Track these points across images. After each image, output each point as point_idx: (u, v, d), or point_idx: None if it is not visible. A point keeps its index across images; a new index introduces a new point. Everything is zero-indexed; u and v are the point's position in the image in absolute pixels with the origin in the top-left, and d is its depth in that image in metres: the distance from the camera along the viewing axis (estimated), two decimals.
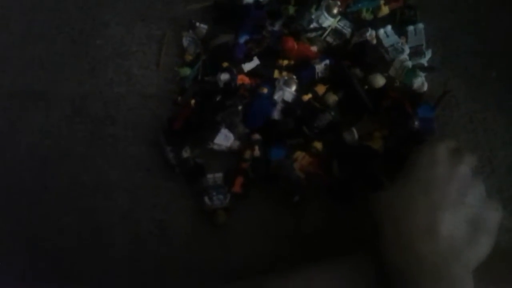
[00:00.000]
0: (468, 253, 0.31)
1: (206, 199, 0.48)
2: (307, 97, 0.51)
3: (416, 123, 0.48)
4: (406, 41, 0.53)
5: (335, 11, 0.53)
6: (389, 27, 0.54)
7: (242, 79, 0.52)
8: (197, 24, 0.54)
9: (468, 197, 0.33)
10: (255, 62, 0.53)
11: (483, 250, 0.32)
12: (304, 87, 0.52)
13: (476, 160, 0.38)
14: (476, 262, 0.32)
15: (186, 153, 0.49)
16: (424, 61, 0.53)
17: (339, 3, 0.53)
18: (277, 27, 0.55)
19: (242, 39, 0.52)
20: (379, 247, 0.34)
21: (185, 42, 0.54)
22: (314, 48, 0.53)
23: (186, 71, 0.53)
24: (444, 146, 0.37)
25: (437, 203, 0.32)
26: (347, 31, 0.54)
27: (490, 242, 0.33)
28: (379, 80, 0.50)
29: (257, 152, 0.49)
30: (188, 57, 0.54)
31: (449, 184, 0.33)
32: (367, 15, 0.56)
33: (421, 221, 0.31)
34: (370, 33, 0.53)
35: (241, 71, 0.52)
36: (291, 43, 0.51)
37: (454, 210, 0.32)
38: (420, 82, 0.50)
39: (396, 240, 0.33)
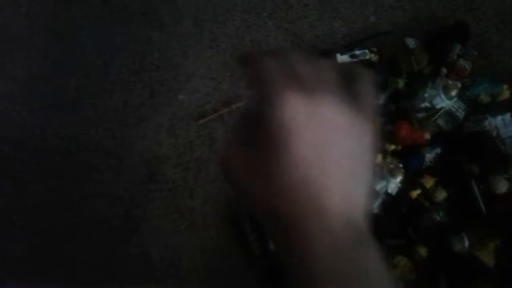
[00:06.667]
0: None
1: None
2: (415, 193, 0.45)
3: None
4: None
5: (453, 93, 0.46)
6: (508, 115, 0.47)
7: None
8: None
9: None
10: None
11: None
12: (410, 175, 0.46)
13: None
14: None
15: (273, 246, 0.43)
16: None
17: (459, 85, 0.47)
18: (381, 100, 0.48)
19: None
20: None
21: None
22: (427, 136, 0.46)
23: None
24: None
25: None
26: (461, 113, 0.48)
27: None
28: (502, 186, 0.44)
29: None
30: None
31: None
32: (484, 98, 0.49)
33: None
34: (489, 122, 0.47)
35: None
36: (406, 131, 0.45)
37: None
38: None
39: None
